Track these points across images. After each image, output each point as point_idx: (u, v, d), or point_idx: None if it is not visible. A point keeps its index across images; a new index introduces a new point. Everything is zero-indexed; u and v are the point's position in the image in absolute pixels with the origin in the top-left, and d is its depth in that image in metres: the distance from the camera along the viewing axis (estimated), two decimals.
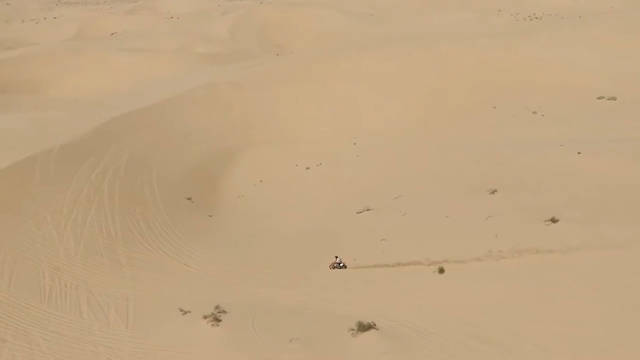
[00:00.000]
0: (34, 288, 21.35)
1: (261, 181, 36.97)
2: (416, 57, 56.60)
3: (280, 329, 19.35)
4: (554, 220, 24.40)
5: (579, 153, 31.06)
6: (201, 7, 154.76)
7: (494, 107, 50.02)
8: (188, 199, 31.94)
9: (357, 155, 41.49)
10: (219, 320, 19.46)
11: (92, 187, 28.28)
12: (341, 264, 24.99)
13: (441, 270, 23.29)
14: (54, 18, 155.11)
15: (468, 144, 41.46)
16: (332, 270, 24.74)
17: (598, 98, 48.29)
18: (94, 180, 28.91)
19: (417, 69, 53.86)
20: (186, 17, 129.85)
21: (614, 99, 47.61)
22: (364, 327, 18.93)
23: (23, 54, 79.03)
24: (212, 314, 19.77)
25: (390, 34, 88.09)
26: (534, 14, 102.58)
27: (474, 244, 24.60)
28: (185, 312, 20.18)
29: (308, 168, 39.47)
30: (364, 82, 50.32)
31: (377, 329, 18.90)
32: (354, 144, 43.41)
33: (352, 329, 18.91)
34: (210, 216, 31.19)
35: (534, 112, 47.51)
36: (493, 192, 29.80)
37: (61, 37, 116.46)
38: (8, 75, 70.51)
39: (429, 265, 23.97)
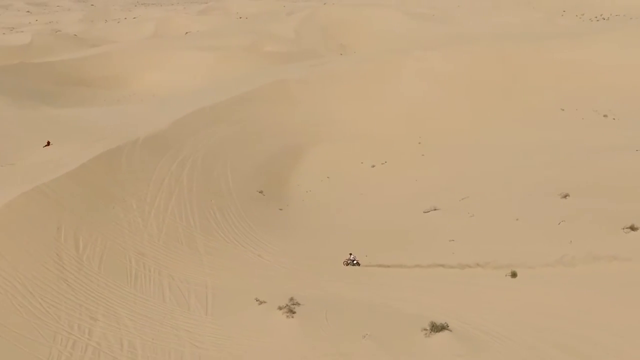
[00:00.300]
0: (122, 271, 21.98)
1: (328, 177, 36.69)
2: (482, 56, 54.61)
3: (353, 324, 18.97)
4: (633, 228, 22.73)
5: None
6: (267, 8, 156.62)
7: (562, 110, 47.51)
8: (260, 192, 32.09)
9: (423, 155, 40.49)
10: (294, 312, 19.30)
11: (172, 178, 28.90)
12: (355, 261, 24.48)
13: (514, 274, 22.20)
14: (134, 18, 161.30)
15: (536, 146, 39.57)
16: (346, 267, 24.29)
17: None
18: (174, 171, 29.55)
19: (483, 69, 51.97)
20: (254, 17, 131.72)
21: None
22: (437, 328, 18.26)
23: (106, 51, 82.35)
24: (287, 305, 19.64)
25: (454, 34, 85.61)
26: (601, 15, 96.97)
27: (547, 249, 23.32)
28: (261, 302, 20.14)
29: (373, 166, 38.87)
30: (430, 81, 49.08)
31: (450, 331, 18.18)
32: (419, 143, 42.40)
33: (425, 329, 18.28)
34: (280, 210, 31.22)
35: (605, 116, 44.77)
36: (565, 196, 28.19)
37: (140, 35, 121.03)
38: (92, 71, 73.66)
39: (498, 268, 22.90)
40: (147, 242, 23.86)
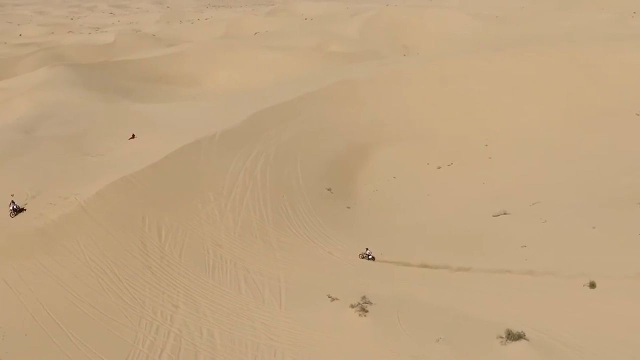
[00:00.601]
0: (200, 261, 22.21)
1: (394, 177, 35.78)
2: (553, 58, 51.54)
3: (426, 326, 18.21)
4: None
5: None
6: (332, 10, 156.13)
7: (638, 115, 44.09)
8: (328, 190, 31.69)
9: (490, 158, 38.69)
10: (366, 311, 18.77)
11: (247, 172, 29.02)
12: (370, 256, 23.97)
13: (592, 285, 20.60)
14: (206, 19, 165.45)
15: (611, 151, 36.93)
16: (362, 259, 23.95)
17: None
18: (248, 166, 29.67)
19: (554, 71, 49.04)
20: (319, 19, 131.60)
21: None
22: (513, 337, 17.20)
23: (182, 50, 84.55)
24: (359, 303, 19.13)
25: (519, 35, 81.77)
26: None
27: (627, 260, 21.59)
28: (333, 299, 19.74)
29: (439, 167, 37.56)
30: (498, 83, 46.86)
31: (527, 340, 17.09)
32: (486, 145, 40.56)
33: (501, 337, 17.26)
34: (348, 208, 30.69)
35: None
36: None
37: (212, 36, 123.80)
38: (170, 69, 75.79)
39: (574, 277, 21.33)
40: (223, 234, 24.02)
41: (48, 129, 36.00)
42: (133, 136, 33.04)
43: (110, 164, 28.07)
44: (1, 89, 52.75)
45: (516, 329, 17.43)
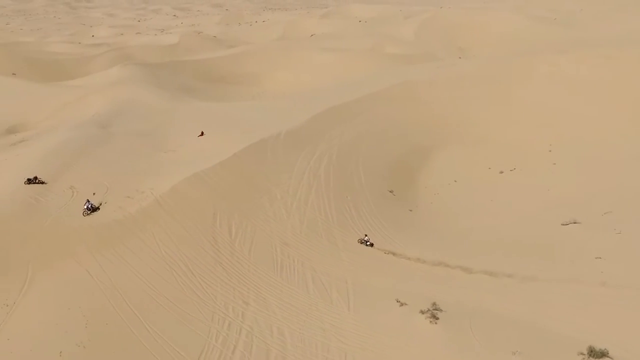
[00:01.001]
0: (268, 259, 21.91)
1: (455, 181, 34.36)
2: (621, 61, 48.15)
3: (499, 338, 17.09)
4: None
5: None
6: (385, 12, 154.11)
7: None
8: (390, 192, 30.79)
9: (554, 164, 36.50)
10: (437, 318, 17.85)
11: (311, 172, 28.56)
12: (368, 242, 23.85)
13: None
14: (263, 21, 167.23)
15: None
16: (360, 244, 23.88)
17: None
18: (312, 166, 29.21)
19: (622, 74, 45.78)
20: (373, 21, 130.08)
21: None
22: (596, 354, 15.87)
23: (242, 51, 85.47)
24: (429, 310, 18.24)
25: (580, 38, 77.57)
26: None
27: None
28: (402, 304, 18.93)
29: (501, 172, 35.77)
30: (562, 86, 44.26)
31: (611, 359, 15.66)
32: (549, 150, 38.33)
33: (583, 354, 15.97)
34: (410, 210, 29.66)
35: None
36: None
37: (269, 37, 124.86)
38: (230, 69, 76.76)
39: None
40: (290, 232, 23.64)
41: (122, 125, 36.92)
42: (202, 134, 33.31)
43: (182, 160, 28.31)
44: (77, 86, 54.78)
45: (599, 346, 16.06)
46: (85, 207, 22.68)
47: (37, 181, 23.76)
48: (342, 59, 74.42)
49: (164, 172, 25.87)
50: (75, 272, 19.40)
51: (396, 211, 28.88)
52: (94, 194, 23.65)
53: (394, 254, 23.29)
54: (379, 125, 37.97)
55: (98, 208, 22.91)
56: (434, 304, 18.49)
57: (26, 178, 23.66)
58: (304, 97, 48.24)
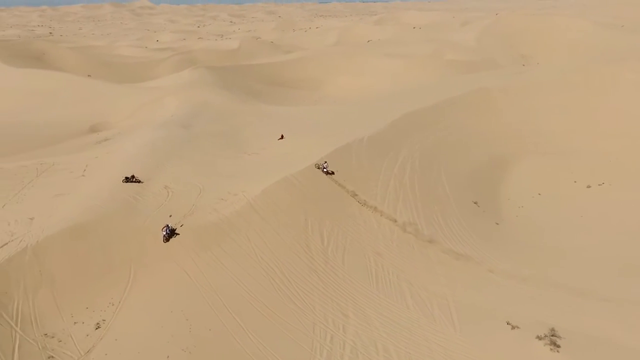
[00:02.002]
0: (362, 269, 20.72)
1: (539, 194, 32.07)
2: None
3: None
4: None
5: None
6: (438, 19, 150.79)
7: None
8: (474, 203, 28.96)
9: None
10: (558, 346, 16.06)
11: (396, 179, 27.21)
12: (326, 169, 24.13)
13: None
14: (317, 28, 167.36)
15: None
16: (317, 169, 23.95)
17: None
18: (397, 173, 27.85)
19: None
20: (428, 28, 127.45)
21: None
22: None
23: (303, 56, 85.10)
24: (547, 336, 16.48)
25: None
26: None
27: None
28: (514, 327, 17.25)
29: (589, 186, 33.10)
30: None
31: None
32: None
33: None
34: (497, 224, 27.73)
35: None
36: None
37: (325, 43, 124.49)
38: (292, 73, 76.46)
39: None
40: (381, 242, 22.36)
41: (200, 125, 36.80)
42: (282, 137, 32.62)
43: (268, 162, 27.63)
44: (152, 87, 55.69)
45: None
46: (164, 232, 20.31)
47: (134, 180, 23.60)
48: (403, 65, 72.67)
49: (253, 175, 25.21)
50: (175, 273, 18.88)
51: (484, 224, 27.05)
52: (170, 216, 22.43)
53: (362, 200, 22.60)
54: (456, 133, 36.14)
55: (176, 232, 20.73)
56: (552, 329, 16.72)
57: (124, 176, 23.54)
58: (371, 101, 46.94)
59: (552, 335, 16.57)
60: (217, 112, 42.29)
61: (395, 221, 23.86)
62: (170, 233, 20.67)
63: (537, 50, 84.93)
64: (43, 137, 39.00)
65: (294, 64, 79.52)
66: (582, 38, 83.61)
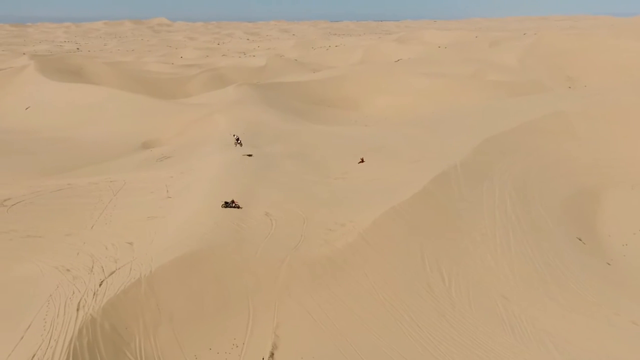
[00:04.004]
0: (492, 315, 18.72)
1: None
2: None
3: None
4: None
5: None
6: (459, 38, 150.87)
7: None
8: (579, 239, 26.95)
9: None
10: None
11: (499, 211, 25.36)
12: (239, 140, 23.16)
13: None
14: (336, 46, 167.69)
15: None
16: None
17: None
18: (498, 204, 26.02)
19: None
20: (454, 47, 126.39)
21: None
22: None
23: (335, 75, 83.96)
24: None
25: None
26: None
27: None
28: None
29: None
30: None
31: None
32: None
33: None
34: (608, 264, 25.64)
35: None
36: None
37: (350, 61, 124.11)
38: (328, 92, 75.20)
39: None
40: (504, 284, 20.41)
41: (269, 146, 35.27)
42: (362, 160, 30.95)
43: (360, 188, 25.87)
44: (198, 104, 54.55)
45: None
46: None
47: (234, 205, 21.91)
48: (444, 84, 71.31)
49: (353, 203, 23.46)
50: (296, 312, 17.00)
51: (595, 264, 24.97)
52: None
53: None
54: (539, 161, 34.31)
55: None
56: None
57: (223, 201, 21.85)
58: (429, 123, 45.31)
59: None
60: (275, 132, 40.83)
61: (512, 260, 21.92)
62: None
63: (583, 72, 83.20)
64: (96, 153, 37.66)
65: (329, 83, 78.38)
66: (634, 58, 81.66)
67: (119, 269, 17.67)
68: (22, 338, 14.85)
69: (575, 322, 19.09)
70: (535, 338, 17.91)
